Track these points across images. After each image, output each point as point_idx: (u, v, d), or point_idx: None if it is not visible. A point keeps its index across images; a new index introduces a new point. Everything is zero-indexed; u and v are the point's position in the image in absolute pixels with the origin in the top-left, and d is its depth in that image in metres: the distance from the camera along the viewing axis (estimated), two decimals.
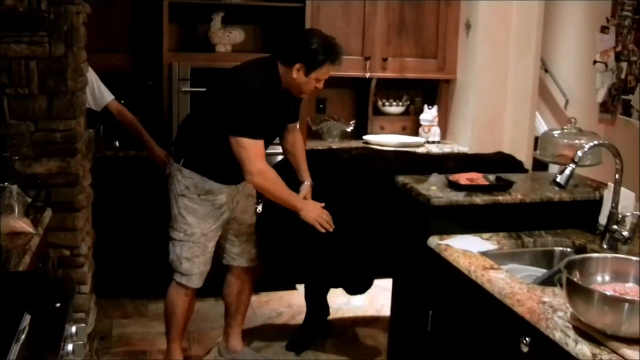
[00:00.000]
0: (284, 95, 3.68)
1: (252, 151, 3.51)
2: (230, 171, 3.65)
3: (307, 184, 3.91)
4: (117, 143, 4.99)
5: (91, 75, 4.26)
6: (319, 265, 4.08)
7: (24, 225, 2.89)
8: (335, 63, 3.59)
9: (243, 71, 3.69)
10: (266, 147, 3.76)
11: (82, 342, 2.40)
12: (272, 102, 3.58)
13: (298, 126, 4.07)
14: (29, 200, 3.12)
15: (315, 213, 3.63)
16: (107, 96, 4.47)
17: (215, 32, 5.22)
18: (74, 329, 2.31)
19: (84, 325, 2.63)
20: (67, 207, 3.45)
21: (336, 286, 4.49)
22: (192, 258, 3.77)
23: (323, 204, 3.68)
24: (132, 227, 4.87)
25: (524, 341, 2.32)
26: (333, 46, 3.59)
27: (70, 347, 2.23)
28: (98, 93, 4.42)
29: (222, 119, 3.55)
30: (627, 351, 1.93)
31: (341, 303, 5.08)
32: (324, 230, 3.63)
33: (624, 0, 6.19)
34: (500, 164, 4.16)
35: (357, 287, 4.30)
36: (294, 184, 3.84)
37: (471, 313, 2.79)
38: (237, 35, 5.29)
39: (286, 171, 3.96)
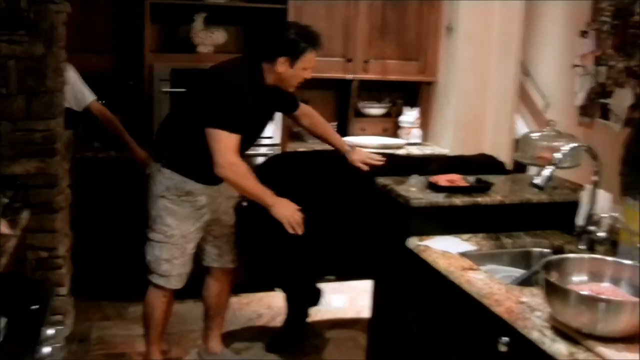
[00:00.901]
0: (267, 96, 3.67)
1: (225, 144, 3.46)
2: (211, 171, 3.62)
3: (349, 149, 4.03)
4: (96, 144, 4.97)
5: (73, 75, 4.25)
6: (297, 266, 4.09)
7: (0, 226, 2.86)
8: (316, 48, 3.58)
9: (228, 68, 3.67)
10: (247, 148, 3.76)
11: (59, 345, 2.39)
12: (254, 101, 3.56)
13: (304, 105, 4.14)
14: (7, 201, 3.10)
15: (287, 212, 3.52)
16: (89, 96, 4.46)
17: (197, 33, 5.21)
18: (51, 331, 2.30)
19: (61, 327, 2.62)
20: (45, 208, 3.43)
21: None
22: (171, 259, 3.75)
23: (299, 208, 3.57)
24: (111, 229, 4.85)
25: (502, 341, 2.33)
26: (311, 32, 3.60)
27: (47, 349, 2.22)
28: (80, 93, 4.41)
29: (202, 114, 3.52)
30: (602, 349, 1.95)
31: (321, 305, 5.08)
32: (292, 231, 3.52)
33: (603, 6, 6.23)
34: (483, 165, 4.18)
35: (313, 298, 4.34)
36: (282, 186, 3.83)
37: (450, 314, 2.79)
38: (219, 36, 5.28)
39: (273, 172, 3.98)
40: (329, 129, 4.18)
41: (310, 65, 3.61)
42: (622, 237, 2.76)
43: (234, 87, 3.49)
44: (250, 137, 3.78)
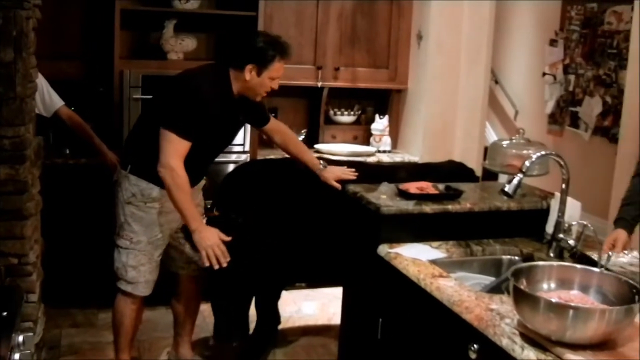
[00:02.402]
0: (235, 104, 3.66)
1: (174, 147, 3.42)
2: None
3: (323, 167, 3.92)
4: (67, 150, 4.93)
5: (41, 81, 4.21)
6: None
7: None
8: (284, 57, 3.56)
9: (194, 74, 3.65)
10: (216, 155, 3.77)
11: (29, 352, 2.37)
12: (219, 109, 3.55)
13: (275, 121, 4.11)
14: None
15: (209, 241, 3.39)
16: (57, 102, 4.42)
17: (167, 40, 5.20)
18: (21, 338, 2.29)
19: (31, 334, 2.60)
20: (15, 215, 3.39)
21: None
22: (138, 266, 3.72)
23: (229, 239, 3.44)
24: (81, 235, 4.82)
25: (472, 348, 2.35)
26: (280, 42, 3.58)
27: (17, 356, 2.20)
28: (48, 99, 4.37)
29: (162, 115, 3.49)
30: (571, 356, 1.97)
31: (292, 312, 5.08)
32: (207, 264, 3.40)
33: (572, 15, 6.32)
34: (452, 173, 4.21)
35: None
36: (253, 193, 3.82)
37: (421, 321, 2.81)
38: (189, 43, 5.27)
39: (243, 180, 3.98)
40: (302, 147, 4.13)
41: (278, 75, 3.59)
42: None
43: (196, 93, 3.47)
44: (217, 144, 3.77)
